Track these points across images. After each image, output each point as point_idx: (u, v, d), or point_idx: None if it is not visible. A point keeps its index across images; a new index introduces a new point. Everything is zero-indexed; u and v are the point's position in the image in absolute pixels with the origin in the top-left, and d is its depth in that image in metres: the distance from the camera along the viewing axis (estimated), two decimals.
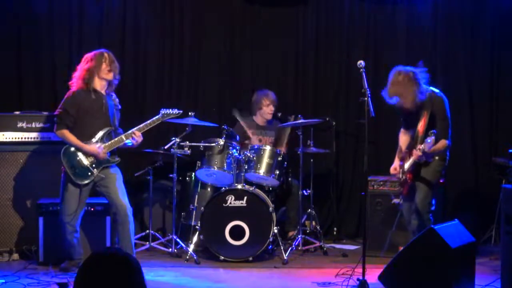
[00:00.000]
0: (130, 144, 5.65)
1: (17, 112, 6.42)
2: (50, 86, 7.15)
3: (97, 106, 5.60)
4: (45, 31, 7.14)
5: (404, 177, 5.52)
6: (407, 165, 5.47)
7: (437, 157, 5.47)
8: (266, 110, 6.98)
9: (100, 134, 5.59)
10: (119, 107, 5.81)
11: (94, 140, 5.57)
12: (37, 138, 6.33)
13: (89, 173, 5.54)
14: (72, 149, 5.55)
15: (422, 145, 5.17)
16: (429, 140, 5.12)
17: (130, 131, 5.61)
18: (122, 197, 5.57)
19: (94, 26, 7.23)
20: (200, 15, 7.45)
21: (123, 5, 7.29)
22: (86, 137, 5.57)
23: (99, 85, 5.63)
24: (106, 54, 5.63)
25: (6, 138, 6.28)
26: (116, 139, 5.62)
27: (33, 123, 6.35)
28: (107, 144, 5.58)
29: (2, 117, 6.34)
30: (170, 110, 5.80)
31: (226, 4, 7.51)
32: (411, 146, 5.52)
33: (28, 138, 6.32)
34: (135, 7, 7.33)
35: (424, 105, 5.39)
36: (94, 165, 5.55)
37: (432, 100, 5.40)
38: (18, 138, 6.30)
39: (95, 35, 7.20)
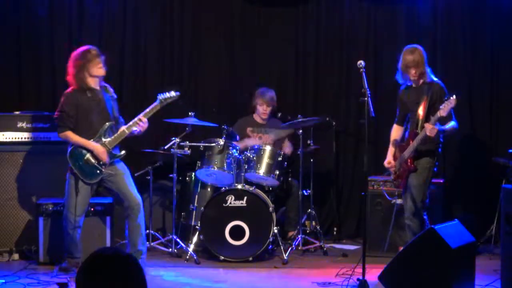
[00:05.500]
0: (137, 131, 5.65)
1: (17, 112, 6.42)
2: (50, 86, 7.15)
3: (94, 103, 5.61)
4: (45, 31, 7.15)
5: (403, 166, 5.52)
6: (410, 149, 5.47)
7: (427, 154, 5.49)
8: (260, 109, 6.97)
9: (102, 130, 5.60)
10: (115, 96, 5.82)
11: (97, 137, 5.57)
12: (37, 138, 6.33)
13: (98, 171, 5.57)
14: (78, 149, 5.55)
15: (440, 111, 5.17)
16: (450, 102, 5.11)
17: (132, 121, 5.61)
18: (132, 190, 5.66)
19: (94, 26, 7.23)
20: (200, 15, 7.45)
21: (123, 5, 7.29)
22: (89, 136, 5.58)
23: (92, 82, 5.64)
24: (94, 51, 5.64)
25: (6, 138, 6.28)
26: (118, 132, 5.63)
27: (33, 123, 6.35)
28: (110, 139, 5.59)
29: (2, 117, 6.34)
30: (167, 93, 5.77)
31: (226, 4, 7.51)
32: (410, 132, 5.53)
33: (28, 138, 6.32)
34: (135, 7, 7.33)
35: (424, 91, 5.46)
36: (101, 162, 5.57)
37: (432, 87, 5.45)
38: (18, 138, 6.30)
39: (95, 35, 7.20)
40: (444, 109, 5.15)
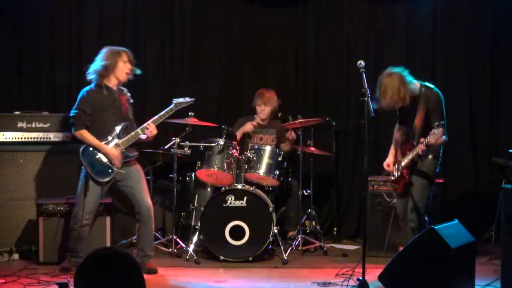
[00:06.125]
0: (144, 137, 5.66)
1: (17, 112, 6.42)
2: (50, 86, 7.15)
3: (110, 101, 5.63)
4: (45, 31, 7.15)
5: (400, 173, 5.52)
6: (405, 160, 5.45)
7: (430, 156, 5.47)
8: (258, 109, 6.98)
9: (117, 129, 5.62)
10: (131, 101, 5.85)
11: (110, 137, 5.57)
12: (37, 138, 6.33)
13: (110, 170, 5.57)
14: (91, 148, 5.56)
15: (429, 137, 5.13)
16: (436, 132, 5.09)
17: (144, 124, 5.64)
18: (146, 197, 5.66)
19: (94, 26, 7.23)
20: (200, 15, 7.45)
21: (123, 5, 7.30)
22: (104, 134, 5.59)
23: (113, 82, 5.67)
24: (128, 55, 5.65)
25: (6, 138, 6.28)
26: (132, 133, 5.64)
27: (33, 123, 6.35)
28: (124, 139, 5.61)
29: (2, 117, 6.34)
30: (182, 99, 5.82)
31: (226, 4, 7.51)
32: (407, 142, 5.52)
33: (28, 138, 6.32)
34: (135, 7, 7.34)
35: (420, 100, 5.41)
36: (113, 162, 5.57)
37: (428, 96, 5.41)
38: (18, 138, 6.30)
39: (95, 35, 7.20)
40: (432, 138, 5.13)
